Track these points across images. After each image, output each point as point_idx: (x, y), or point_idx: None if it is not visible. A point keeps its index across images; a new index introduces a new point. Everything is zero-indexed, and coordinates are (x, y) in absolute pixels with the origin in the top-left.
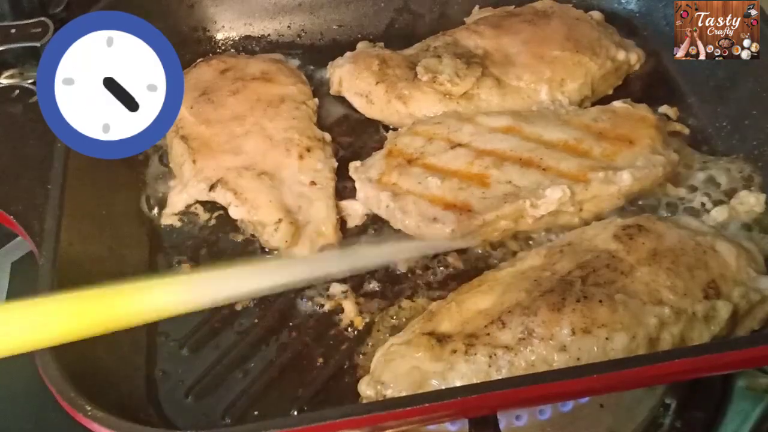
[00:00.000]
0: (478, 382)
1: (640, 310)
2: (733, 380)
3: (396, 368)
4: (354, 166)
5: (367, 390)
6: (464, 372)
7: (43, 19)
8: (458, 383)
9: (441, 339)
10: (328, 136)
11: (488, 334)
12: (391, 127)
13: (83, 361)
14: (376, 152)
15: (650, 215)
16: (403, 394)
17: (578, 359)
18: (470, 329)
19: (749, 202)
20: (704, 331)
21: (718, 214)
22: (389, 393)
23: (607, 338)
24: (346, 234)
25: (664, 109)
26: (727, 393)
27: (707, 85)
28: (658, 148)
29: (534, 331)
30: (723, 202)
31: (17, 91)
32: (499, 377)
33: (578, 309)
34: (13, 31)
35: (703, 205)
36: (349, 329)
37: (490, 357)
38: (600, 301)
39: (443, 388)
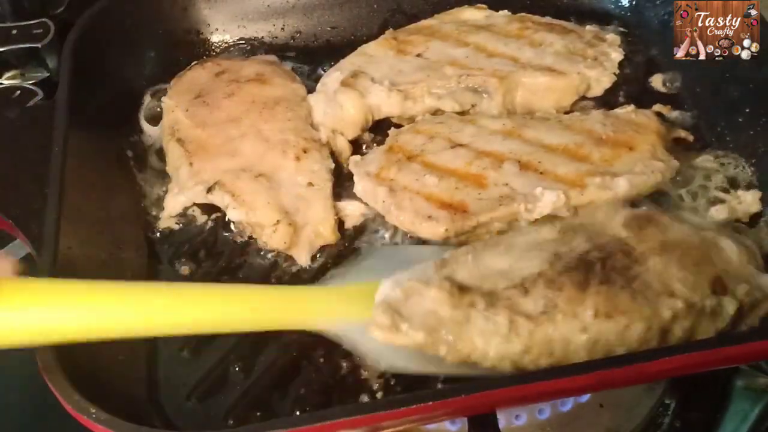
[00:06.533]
0: (497, 340)
1: (656, 301)
2: (732, 380)
3: (414, 305)
4: (354, 160)
5: (382, 316)
6: (482, 329)
7: (44, 20)
8: (476, 338)
9: (460, 288)
10: (324, 138)
11: (509, 298)
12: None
13: (85, 365)
14: (377, 147)
15: (655, 208)
16: (420, 334)
17: (596, 342)
18: (488, 286)
19: (746, 200)
20: (710, 327)
21: (718, 213)
22: (405, 327)
23: (626, 326)
24: (344, 235)
25: (657, 107)
26: (726, 393)
27: (700, 83)
28: (659, 154)
29: (558, 306)
30: (718, 200)
31: (18, 92)
32: (517, 344)
33: (602, 292)
34: (14, 32)
35: (697, 199)
36: None
37: (511, 322)
38: (621, 287)
39: (455, 340)
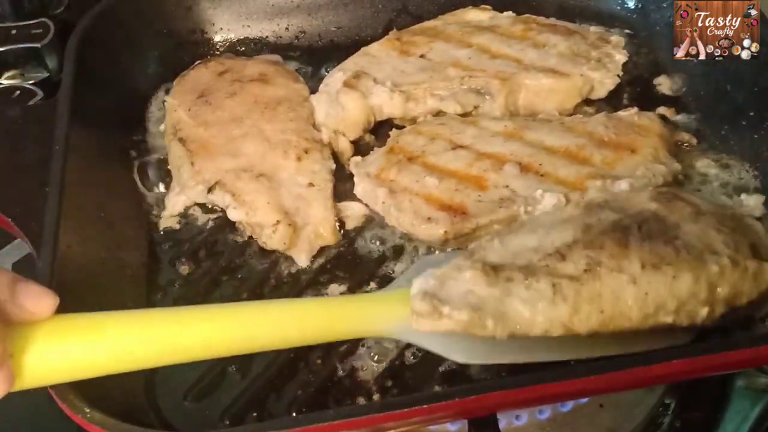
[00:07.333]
0: (543, 305)
1: (701, 256)
2: (732, 380)
3: (451, 288)
4: (355, 161)
5: (421, 304)
6: (525, 297)
7: (43, 19)
8: (520, 307)
9: (494, 267)
10: (325, 138)
11: (547, 266)
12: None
13: None
14: (377, 148)
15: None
16: (463, 312)
17: (647, 294)
18: (522, 262)
19: (750, 204)
20: (753, 289)
21: None
22: (447, 310)
23: (674, 277)
24: (345, 235)
25: (661, 110)
26: (727, 392)
27: (705, 86)
28: (661, 156)
29: (601, 262)
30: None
31: (18, 92)
32: (564, 306)
33: (645, 247)
34: (13, 32)
35: None
36: None
37: (554, 285)
38: (665, 243)
39: (500, 313)
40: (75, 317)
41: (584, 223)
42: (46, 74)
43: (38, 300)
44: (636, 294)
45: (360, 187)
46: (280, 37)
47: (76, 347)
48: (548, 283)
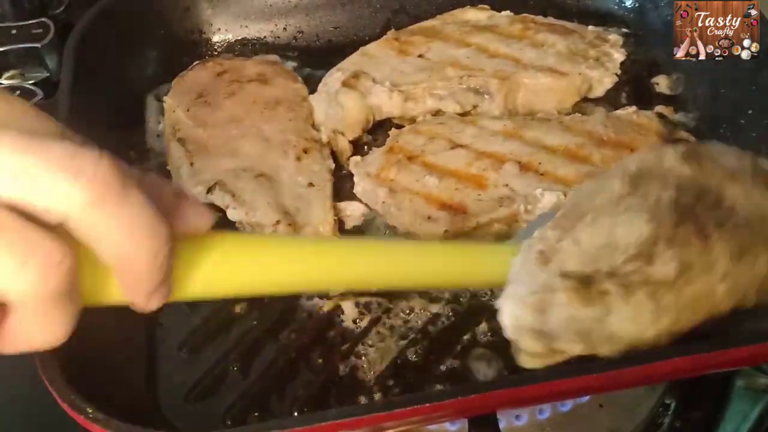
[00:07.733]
0: (647, 320)
1: (763, 228)
2: (733, 380)
3: (553, 318)
4: (354, 160)
5: (533, 343)
6: (627, 314)
7: (43, 19)
8: (626, 326)
9: (582, 280)
10: (324, 138)
11: (637, 272)
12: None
13: (83, 364)
14: (377, 148)
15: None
16: (578, 345)
17: (735, 287)
18: (606, 267)
19: None
20: None
21: None
22: (560, 345)
23: (753, 262)
24: (345, 235)
25: (659, 108)
26: (727, 393)
27: (703, 84)
28: None
29: (694, 262)
30: None
31: (18, 92)
32: (667, 317)
33: (722, 235)
34: (13, 32)
35: None
36: (349, 330)
37: (653, 296)
38: (735, 225)
39: (608, 335)
40: (234, 235)
41: (646, 208)
42: (46, 74)
43: (201, 215)
44: (727, 290)
45: (360, 187)
46: (278, 37)
47: (237, 263)
48: (646, 294)
